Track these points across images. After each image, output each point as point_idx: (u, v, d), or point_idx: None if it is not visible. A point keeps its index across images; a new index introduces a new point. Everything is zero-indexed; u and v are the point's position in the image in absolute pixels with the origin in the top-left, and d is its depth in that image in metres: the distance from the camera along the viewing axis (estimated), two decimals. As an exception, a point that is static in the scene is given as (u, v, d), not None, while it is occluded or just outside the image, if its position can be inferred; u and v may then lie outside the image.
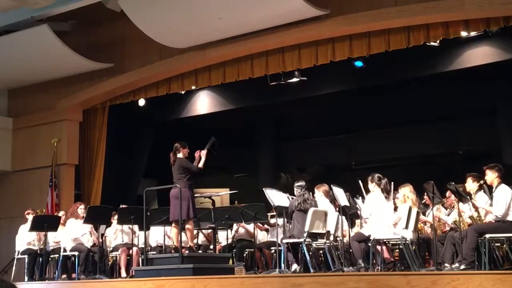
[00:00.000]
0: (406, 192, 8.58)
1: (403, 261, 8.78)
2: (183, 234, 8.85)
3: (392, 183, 8.64)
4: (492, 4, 9.21)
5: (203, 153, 8.87)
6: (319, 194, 9.23)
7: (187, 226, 8.85)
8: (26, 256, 10.56)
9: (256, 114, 14.73)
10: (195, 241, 9.95)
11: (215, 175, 15.50)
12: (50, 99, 13.18)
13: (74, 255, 10.15)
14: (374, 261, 8.42)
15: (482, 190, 8.25)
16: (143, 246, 9.74)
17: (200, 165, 8.84)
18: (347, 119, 14.35)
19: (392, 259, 8.72)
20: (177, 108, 14.09)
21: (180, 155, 8.91)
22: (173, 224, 8.98)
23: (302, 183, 9.14)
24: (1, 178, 13.52)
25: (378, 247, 8.47)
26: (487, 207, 7.96)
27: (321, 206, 8.99)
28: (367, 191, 8.67)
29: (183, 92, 13.06)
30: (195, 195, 9.28)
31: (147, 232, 9.79)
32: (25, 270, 10.59)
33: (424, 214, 9.22)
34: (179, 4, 10.37)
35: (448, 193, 8.91)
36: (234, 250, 10.42)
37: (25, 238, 10.66)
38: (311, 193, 9.17)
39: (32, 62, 12.11)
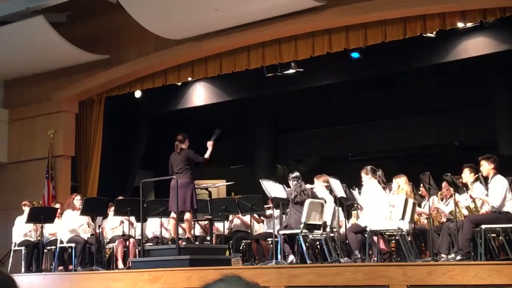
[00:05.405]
0: (401, 183, 8.58)
1: (399, 252, 8.80)
2: (180, 225, 8.86)
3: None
4: (489, -5, 9.22)
5: (210, 144, 8.96)
6: (319, 184, 9.24)
7: (186, 217, 8.87)
8: (23, 248, 10.57)
9: (253, 106, 14.71)
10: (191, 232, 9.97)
11: (212, 167, 15.49)
12: (46, 90, 13.14)
13: (71, 247, 10.15)
14: (371, 252, 8.44)
15: (479, 181, 8.26)
16: (139, 237, 9.75)
17: (207, 155, 8.93)
18: (343, 110, 14.32)
19: (388, 250, 8.73)
20: (174, 99, 14.06)
21: (183, 146, 8.94)
22: (171, 215, 8.99)
23: (297, 174, 9.14)
24: (-2, 169, 13.52)
25: (375, 238, 8.48)
26: (484, 197, 7.98)
27: (321, 196, 9.00)
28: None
29: (179, 84, 13.05)
30: (193, 186, 9.32)
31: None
32: (22, 262, 10.59)
33: (419, 205, 9.22)
34: (175, -5, 10.35)
35: (444, 184, 8.91)
36: (231, 241, 10.44)
37: (22, 229, 10.66)
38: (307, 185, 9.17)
39: (28, 53, 12.06)
